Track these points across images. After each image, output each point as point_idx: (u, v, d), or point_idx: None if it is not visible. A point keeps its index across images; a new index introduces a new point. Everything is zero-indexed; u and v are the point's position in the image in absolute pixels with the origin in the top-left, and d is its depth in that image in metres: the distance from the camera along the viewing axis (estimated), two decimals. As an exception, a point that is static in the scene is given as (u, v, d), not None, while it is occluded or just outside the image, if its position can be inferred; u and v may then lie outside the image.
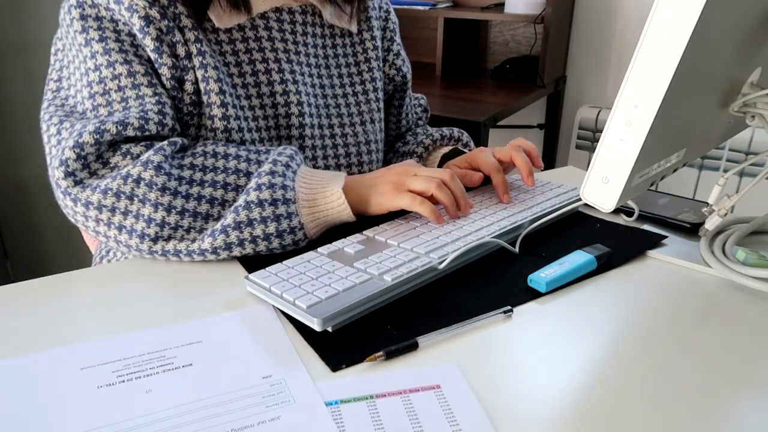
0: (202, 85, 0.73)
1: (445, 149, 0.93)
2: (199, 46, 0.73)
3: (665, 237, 0.73)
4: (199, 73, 0.73)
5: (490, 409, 0.46)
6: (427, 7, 2.21)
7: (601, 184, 0.53)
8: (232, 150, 0.70)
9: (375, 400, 0.47)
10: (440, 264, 0.62)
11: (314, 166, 0.84)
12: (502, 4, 2.13)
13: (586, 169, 0.55)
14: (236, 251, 0.66)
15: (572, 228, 0.76)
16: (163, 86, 0.71)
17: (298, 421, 0.44)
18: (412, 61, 1.03)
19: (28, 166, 1.94)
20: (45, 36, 1.84)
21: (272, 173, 0.67)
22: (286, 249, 0.68)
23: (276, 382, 0.48)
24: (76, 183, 0.65)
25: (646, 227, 0.76)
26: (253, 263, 0.66)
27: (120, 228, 0.65)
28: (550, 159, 2.34)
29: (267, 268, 0.61)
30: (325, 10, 0.85)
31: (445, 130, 0.96)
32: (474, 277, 0.64)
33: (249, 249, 0.66)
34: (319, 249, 0.65)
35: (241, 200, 0.66)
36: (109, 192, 0.64)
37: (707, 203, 0.68)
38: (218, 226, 0.65)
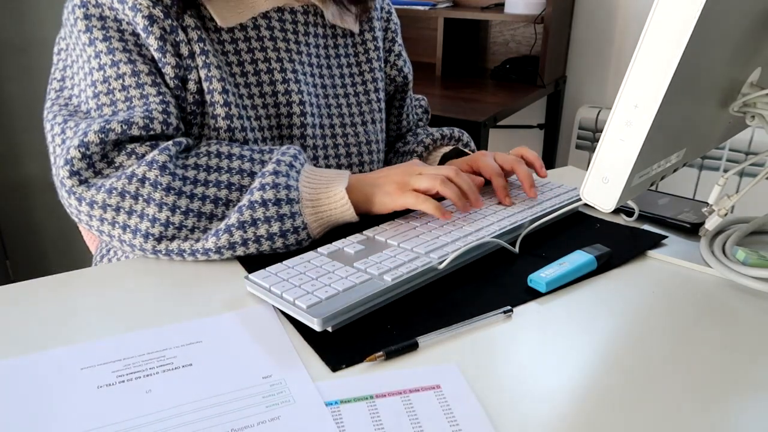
0: (205, 85, 0.73)
1: (446, 149, 0.93)
2: (202, 45, 0.73)
3: (665, 237, 0.73)
4: (202, 73, 0.73)
5: (490, 409, 0.46)
6: (427, 7, 2.21)
7: (601, 184, 0.53)
8: (235, 150, 0.70)
9: (375, 400, 0.47)
10: (440, 264, 0.62)
11: (315, 166, 0.84)
12: (502, 4, 2.13)
13: (586, 169, 0.55)
14: (240, 251, 0.66)
15: (572, 228, 0.76)
16: (167, 86, 0.71)
17: (298, 421, 0.44)
18: (412, 61, 1.03)
19: (28, 166, 1.94)
20: (45, 35, 1.84)
21: (276, 173, 0.67)
22: (290, 249, 0.68)
23: (276, 382, 0.48)
24: (81, 182, 0.65)
25: (646, 227, 0.76)
26: (253, 263, 0.66)
27: (124, 227, 0.65)
28: (550, 159, 2.34)
29: (267, 268, 0.61)
30: (326, 11, 0.85)
31: (446, 130, 0.96)
32: (474, 277, 0.64)
33: (252, 249, 0.66)
34: (319, 249, 0.65)
35: (245, 200, 0.66)
36: (113, 191, 0.64)
37: (707, 203, 0.68)
38: (222, 225, 0.65)
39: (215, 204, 0.66)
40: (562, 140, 2.37)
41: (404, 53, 0.98)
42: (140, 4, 0.69)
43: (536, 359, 0.52)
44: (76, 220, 0.68)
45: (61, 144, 0.67)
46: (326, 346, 0.53)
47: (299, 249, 0.68)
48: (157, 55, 0.71)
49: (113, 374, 0.49)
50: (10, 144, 1.90)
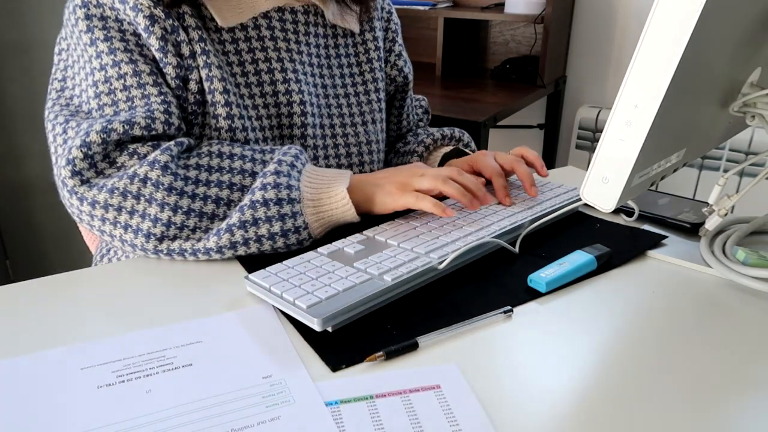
0: (206, 85, 0.73)
1: (446, 149, 0.94)
2: (203, 45, 0.73)
3: (665, 237, 0.73)
4: (203, 73, 0.73)
5: (490, 409, 0.46)
6: (427, 7, 2.21)
7: (601, 184, 0.53)
8: (237, 150, 0.70)
9: (375, 400, 0.47)
10: (440, 264, 0.62)
11: (315, 166, 0.84)
12: (502, 4, 2.13)
13: (586, 169, 0.55)
14: (241, 250, 0.66)
15: (572, 228, 0.76)
16: (168, 86, 0.72)
17: (298, 421, 0.44)
18: (412, 61, 1.03)
19: (28, 166, 1.94)
20: (45, 36, 1.84)
21: (277, 173, 0.67)
22: (291, 248, 0.68)
23: (276, 382, 0.48)
24: (83, 182, 0.65)
25: (646, 227, 0.76)
26: (253, 263, 0.66)
27: (126, 227, 0.65)
28: (550, 159, 2.34)
29: (267, 268, 0.61)
30: (327, 10, 0.85)
31: (446, 130, 0.96)
32: (474, 277, 0.64)
33: (254, 248, 0.66)
34: (319, 249, 0.65)
35: (246, 200, 0.66)
36: (115, 191, 0.64)
37: (707, 203, 0.68)
38: (223, 225, 0.65)
39: (217, 204, 0.66)
40: (562, 140, 2.37)
41: (404, 53, 0.98)
42: (141, 4, 0.69)
43: (536, 359, 0.52)
44: (78, 220, 0.68)
45: (63, 144, 0.67)
46: (326, 346, 0.53)
47: (300, 249, 0.68)
48: (158, 55, 0.71)
49: (113, 374, 0.49)
50: (11, 144, 1.90)
